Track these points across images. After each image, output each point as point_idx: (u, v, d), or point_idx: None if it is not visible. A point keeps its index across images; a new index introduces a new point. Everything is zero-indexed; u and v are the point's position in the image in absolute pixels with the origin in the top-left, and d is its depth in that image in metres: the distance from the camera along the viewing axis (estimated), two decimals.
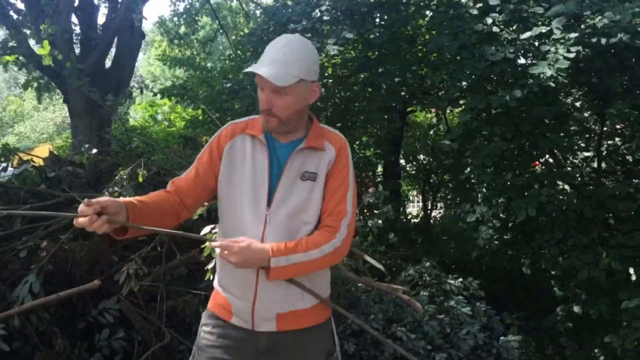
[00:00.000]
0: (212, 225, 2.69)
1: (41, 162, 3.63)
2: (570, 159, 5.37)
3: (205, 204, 2.77)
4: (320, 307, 1.89)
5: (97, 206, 1.52)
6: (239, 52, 8.86)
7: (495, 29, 4.50)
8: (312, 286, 1.86)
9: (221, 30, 12.57)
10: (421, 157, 8.98)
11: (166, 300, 3.17)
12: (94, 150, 3.42)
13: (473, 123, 4.55)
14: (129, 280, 2.96)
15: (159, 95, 7.64)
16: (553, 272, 4.58)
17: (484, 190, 5.04)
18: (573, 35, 4.11)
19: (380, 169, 8.52)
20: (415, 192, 10.43)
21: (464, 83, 4.93)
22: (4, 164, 3.31)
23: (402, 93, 6.73)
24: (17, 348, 2.78)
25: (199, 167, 1.89)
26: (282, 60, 1.70)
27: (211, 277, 2.75)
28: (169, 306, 3.17)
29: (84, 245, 3.10)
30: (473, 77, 4.53)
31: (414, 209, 11.06)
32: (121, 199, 1.66)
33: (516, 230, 5.16)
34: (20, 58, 6.36)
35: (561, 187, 4.89)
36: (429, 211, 8.92)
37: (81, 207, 1.51)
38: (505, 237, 5.19)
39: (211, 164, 1.87)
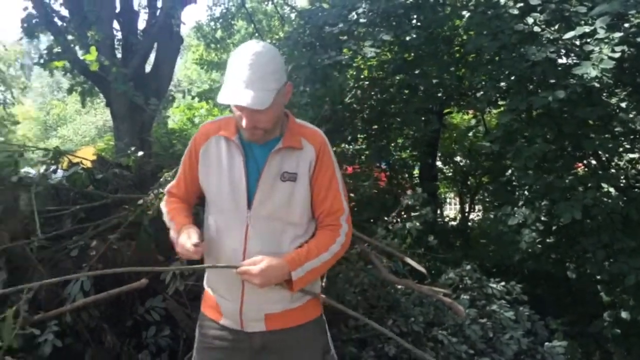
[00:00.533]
0: None
1: (89, 165, 3.74)
2: (615, 160, 5.23)
3: None
4: (310, 305, 1.90)
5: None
6: None
7: (536, 28, 4.42)
8: (309, 287, 1.87)
9: (257, 34, 12.70)
10: (458, 159, 8.88)
11: None
12: (140, 153, 3.50)
13: (514, 124, 4.48)
14: (175, 280, 3.02)
15: (196, 99, 7.79)
16: (599, 277, 4.47)
17: (525, 192, 4.95)
18: (617, 34, 4.02)
19: (416, 171, 8.46)
20: (452, 195, 10.32)
21: (503, 84, 4.86)
22: (54, 166, 3.41)
23: (439, 94, 6.68)
24: (69, 344, 2.85)
25: (185, 174, 1.94)
26: (256, 80, 1.63)
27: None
28: None
29: (131, 245, 3.18)
30: (513, 77, 4.46)
31: (451, 211, 10.94)
32: (187, 226, 1.83)
33: (560, 233, 5.05)
34: (66, 63, 6.55)
35: (606, 189, 4.77)
36: (466, 214, 8.81)
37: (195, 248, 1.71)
38: (548, 240, 5.08)
39: (192, 168, 1.90)
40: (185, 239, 1.74)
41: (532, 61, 4.18)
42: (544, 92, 4.19)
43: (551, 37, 4.46)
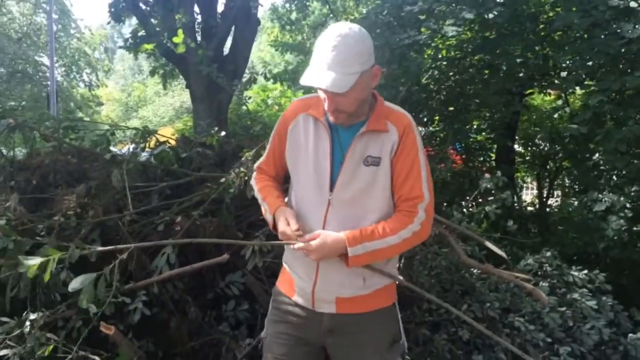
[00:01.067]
0: None
1: (173, 144, 3.89)
2: None
3: None
4: (384, 292, 1.88)
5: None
6: None
7: (633, 4, 4.14)
8: (385, 268, 1.87)
9: (331, 15, 12.65)
10: (538, 141, 8.52)
11: None
12: (223, 133, 3.61)
13: (604, 105, 4.23)
14: (254, 256, 3.10)
15: (271, 80, 7.91)
16: None
17: (613, 177, 4.69)
18: None
19: (493, 154, 8.20)
20: (529, 179, 9.94)
21: (592, 63, 4.59)
22: (142, 145, 3.58)
23: (521, 75, 6.41)
24: (155, 313, 3.01)
25: (274, 150, 1.95)
26: (339, 62, 1.61)
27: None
28: None
29: (213, 221, 3.30)
30: (605, 56, 4.21)
31: (527, 196, 10.56)
32: (282, 208, 1.88)
33: None
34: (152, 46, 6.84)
35: None
36: (544, 199, 8.47)
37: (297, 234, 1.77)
38: (635, 228, 4.80)
39: (280, 144, 1.91)
40: (285, 226, 1.78)
41: (628, 39, 3.92)
42: (638, 71, 3.93)
43: None
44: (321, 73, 1.62)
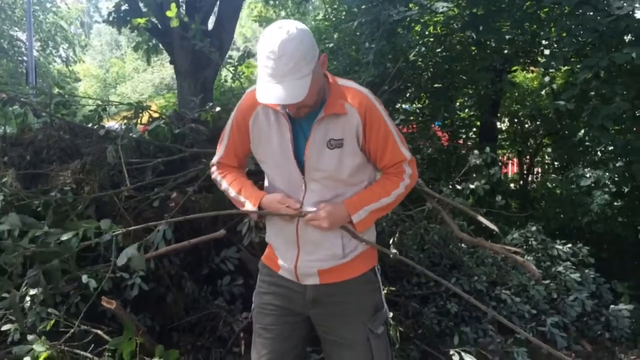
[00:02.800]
0: None
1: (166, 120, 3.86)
2: None
3: None
4: (362, 257, 1.94)
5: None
6: (334, 11, 8.81)
7: None
8: (363, 236, 1.92)
9: None
10: (521, 119, 8.60)
11: None
12: (218, 108, 3.59)
13: (591, 82, 4.30)
14: (250, 232, 3.13)
15: (255, 57, 7.82)
16: None
17: (599, 153, 4.79)
18: None
19: (474, 130, 8.25)
20: (510, 156, 10.07)
21: (580, 39, 4.63)
22: (135, 120, 3.55)
23: (506, 52, 6.45)
24: (152, 288, 3.03)
25: (235, 142, 1.93)
26: (288, 72, 1.58)
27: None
28: None
29: (208, 197, 3.31)
30: (594, 33, 4.25)
31: (508, 173, 10.69)
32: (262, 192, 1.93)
33: (632, 195, 4.88)
34: (133, 20, 6.70)
35: None
36: (525, 175, 8.62)
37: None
38: (617, 203, 4.93)
39: (242, 137, 1.90)
40: (286, 208, 1.82)
41: (616, 15, 3.96)
42: (627, 47, 3.98)
43: None
44: (274, 87, 1.59)
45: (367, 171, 1.90)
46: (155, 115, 3.58)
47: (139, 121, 3.73)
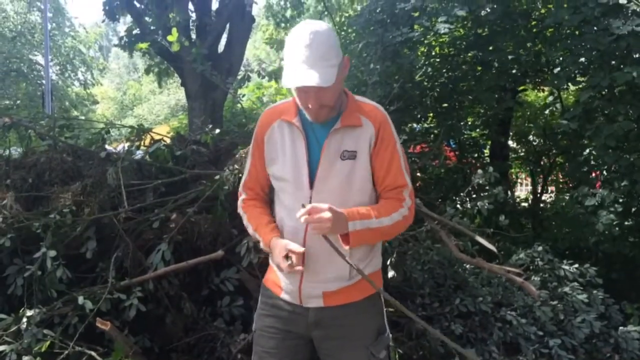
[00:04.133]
0: None
1: (168, 142, 3.92)
2: None
3: None
4: (366, 282, 1.90)
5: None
6: (343, 33, 8.90)
7: (622, 0, 4.19)
8: (369, 262, 1.91)
9: (326, 12, 12.66)
10: (531, 138, 8.57)
11: None
12: (217, 131, 3.63)
13: (594, 102, 4.28)
14: (249, 253, 3.13)
15: (266, 78, 7.92)
16: None
17: (604, 172, 4.74)
18: None
19: (487, 150, 8.26)
20: (524, 175, 10.01)
21: (583, 59, 4.64)
22: (137, 143, 3.61)
23: (514, 71, 6.46)
24: (151, 309, 3.05)
25: (255, 163, 1.96)
26: (318, 58, 1.65)
27: None
28: None
29: (208, 218, 3.33)
30: (595, 52, 4.25)
31: (522, 192, 10.62)
32: (275, 239, 1.88)
33: (639, 215, 4.81)
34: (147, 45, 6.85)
35: None
36: (538, 194, 8.53)
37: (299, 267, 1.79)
38: (626, 222, 4.86)
39: (260, 156, 1.92)
40: (282, 259, 1.79)
41: (617, 35, 3.96)
42: (628, 67, 3.98)
43: (637, 10, 4.22)
44: (304, 72, 1.64)
45: (371, 192, 1.89)
46: (157, 137, 3.63)
47: (142, 143, 3.78)
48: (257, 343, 2.00)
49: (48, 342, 2.55)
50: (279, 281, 1.94)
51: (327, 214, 1.67)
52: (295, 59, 1.67)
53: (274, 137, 1.87)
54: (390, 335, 1.98)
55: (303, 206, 1.68)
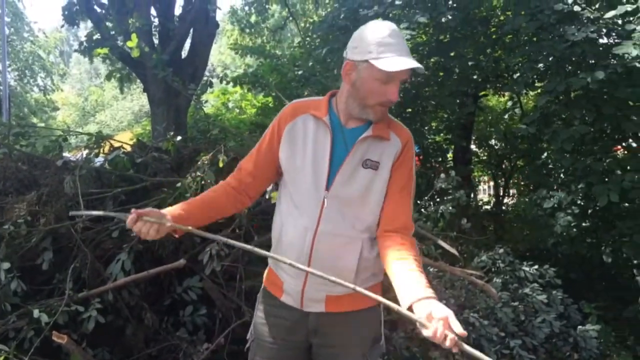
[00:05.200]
0: None
1: (129, 149, 3.85)
2: None
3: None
4: (372, 290, 1.83)
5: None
6: (308, 39, 8.94)
7: (576, 7, 4.31)
8: (373, 275, 1.86)
9: (291, 18, 12.69)
10: (493, 142, 8.76)
11: (245, 279, 3.30)
12: (179, 137, 3.59)
13: (551, 106, 4.40)
14: (211, 261, 3.09)
15: (231, 84, 7.87)
16: (635, 261, 4.39)
17: (562, 175, 4.87)
18: None
19: (450, 155, 8.39)
20: (486, 179, 10.21)
21: (541, 65, 4.76)
22: (96, 151, 3.53)
23: (475, 77, 6.58)
24: (110, 321, 2.97)
25: (260, 151, 1.90)
26: (407, 49, 1.71)
27: None
28: (248, 286, 3.28)
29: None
30: (551, 58, 4.37)
31: (484, 195, 10.83)
32: (166, 210, 1.78)
33: (596, 217, 4.96)
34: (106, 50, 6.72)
35: None
36: (500, 197, 8.71)
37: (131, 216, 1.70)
38: (584, 224, 5.00)
39: (271, 145, 1.87)
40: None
41: (572, 41, 4.08)
42: (583, 73, 4.10)
43: (591, 17, 4.35)
44: (406, 58, 1.68)
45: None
46: (117, 144, 3.56)
47: (102, 151, 3.70)
48: (255, 352, 1.96)
49: (2, 357, 2.46)
50: (279, 281, 1.89)
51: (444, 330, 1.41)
52: (396, 44, 1.69)
53: (296, 129, 1.83)
54: (384, 345, 1.97)
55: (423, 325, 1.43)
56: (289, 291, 1.87)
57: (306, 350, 1.93)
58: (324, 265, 1.76)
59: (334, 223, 1.76)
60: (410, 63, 1.66)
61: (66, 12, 7.90)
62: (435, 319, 1.41)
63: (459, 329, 1.39)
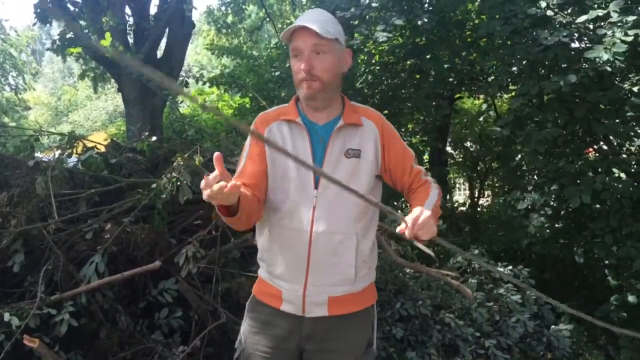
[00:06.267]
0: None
1: (103, 149, 3.80)
2: (627, 145, 5.20)
3: None
4: (370, 290, 1.91)
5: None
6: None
7: (549, 12, 4.39)
8: (369, 268, 1.88)
9: (267, 19, 12.65)
10: (469, 144, 8.86)
11: (221, 282, 3.28)
12: (154, 138, 3.55)
13: (524, 109, 4.47)
14: (187, 263, 3.07)
15: (207, 84, 7.81)
16: (607, 262, 4.48)
17: (535, 177, 4.95)
18: (631, 18, 3.98)
19: (426, 156, 8.46)
20: (462, 180, 10.32)
21: (514, 68, 4.84)
22: (69, 151, 3.47)
23: (451, 79, 6.65)
24: (84, 324, 2.92)
25: (253, 163, 1.81)
26: (318, 21, 1.72)
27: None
28: (224, 288, 3.27)
29: (145, 228, 3.23)
30: (525, 62, 4.44)
31: (460, 197, 10.94)
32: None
33: (569, 218, 5.05)
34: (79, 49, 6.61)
35: (617, 174, 4.76)
36: (476, 199, 8.82)
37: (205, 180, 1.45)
38: (557, 225, 5.09)
39: (261, 156, 1.81)
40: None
41: (545, 45, 4.15)
42: (555, 76, 4.17)
43: (564, 21, 4.43)
44: (301, 23, 1.70)
45: (376, 193, 1.87)
46: (90, 144, 3.50)
47: (75, 151, 3.64)
48: None
49: None
50: (277, 291, 1.84)
51: (427, 212, 1.55)
52: (298, 20, 1.73)
53: (272, 135, 1.81)
54: (376, 349, 1.96)
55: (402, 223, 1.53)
56: (289, 299, 1.82)
57: (297, 358, 1.90)
58: (323, 265, 1.77)
59: (327, 222, 1.76)
60: (300, 23, 1.70)
61: (38, 10, 7.75)
62: (409, 217, 1.54)
63: (424, 223, 1.52)
